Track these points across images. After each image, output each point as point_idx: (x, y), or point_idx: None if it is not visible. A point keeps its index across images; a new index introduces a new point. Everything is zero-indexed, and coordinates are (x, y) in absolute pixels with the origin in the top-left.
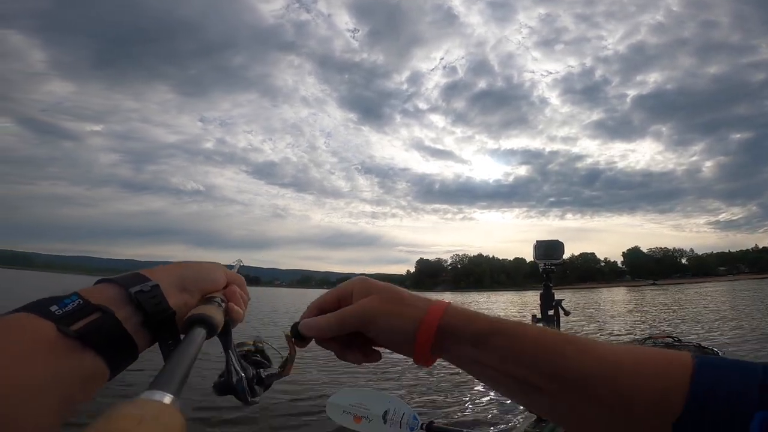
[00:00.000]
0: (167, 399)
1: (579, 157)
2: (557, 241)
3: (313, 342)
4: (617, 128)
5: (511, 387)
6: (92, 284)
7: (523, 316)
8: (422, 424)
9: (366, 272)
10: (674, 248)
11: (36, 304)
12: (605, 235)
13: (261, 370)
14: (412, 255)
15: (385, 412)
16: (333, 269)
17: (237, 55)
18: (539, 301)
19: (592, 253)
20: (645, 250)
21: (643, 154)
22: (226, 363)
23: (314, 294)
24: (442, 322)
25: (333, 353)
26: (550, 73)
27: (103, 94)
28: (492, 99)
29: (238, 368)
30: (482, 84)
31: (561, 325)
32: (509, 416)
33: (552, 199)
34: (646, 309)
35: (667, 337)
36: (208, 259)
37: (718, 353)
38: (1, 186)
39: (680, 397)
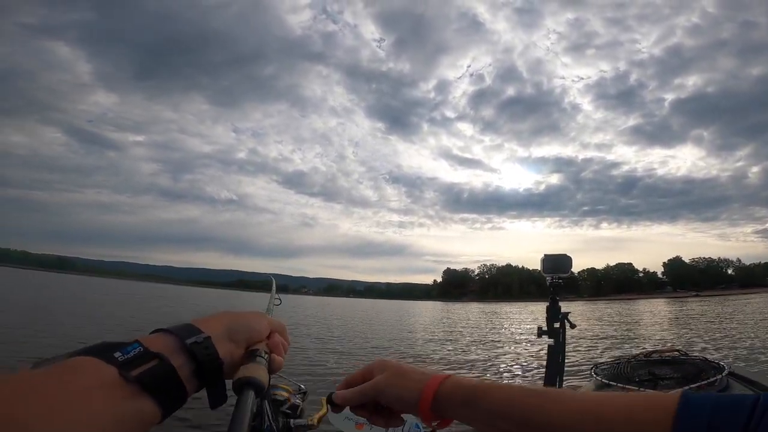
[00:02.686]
0: None
1: (615, 164)
2: (565, 255)
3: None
4: (655, 134)
5: None
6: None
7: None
8: None
9: (392, 282)
10: (719, 258)
11: (100, 349)
12: (644, 244)
13: (291, 420)
14: (439, 265)
15: None
16: (359, 278)
17: (267, 66)
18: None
19: (630, 264)
20: (687, 261)
21: (683, 160)
22: (259, 410)
23: (340, 302)
24: (438, 391)
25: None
26: (582, 78)
27: (143, 104)
28: (521, 106)
29: (270, 417)
30: (511, 91)
31: (567, 337)
32: None
33: (586, 208)
34: (673, 321)
35: (674, 350)
36: (240, 265)
37: (724, 368)
38: (50, 194)
39: None
